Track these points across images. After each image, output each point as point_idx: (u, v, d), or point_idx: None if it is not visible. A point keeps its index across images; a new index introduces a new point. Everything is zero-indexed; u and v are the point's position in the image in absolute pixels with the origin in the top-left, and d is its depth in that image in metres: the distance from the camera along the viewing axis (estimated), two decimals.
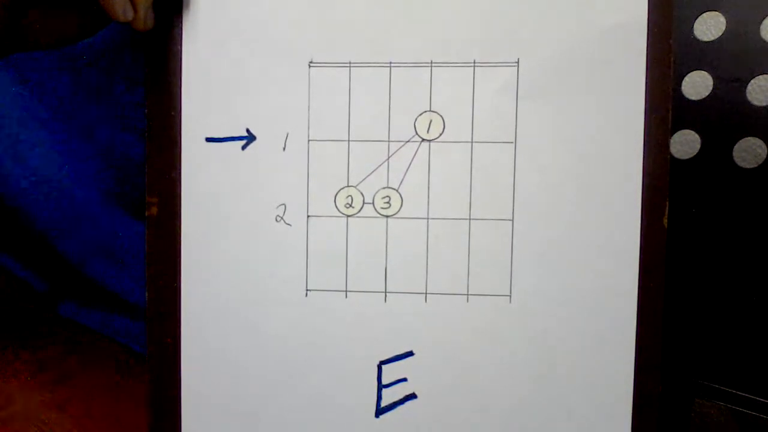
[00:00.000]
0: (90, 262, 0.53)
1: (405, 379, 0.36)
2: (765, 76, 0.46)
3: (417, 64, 0.35)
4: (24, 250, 0.54)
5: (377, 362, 0.36)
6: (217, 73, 0.36)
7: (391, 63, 0.35)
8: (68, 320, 0.55)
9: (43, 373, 0.49)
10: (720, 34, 0.46)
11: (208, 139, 0.36)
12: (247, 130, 0.36)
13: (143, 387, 0.37)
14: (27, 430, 0.43)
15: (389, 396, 0.36)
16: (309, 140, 0.36)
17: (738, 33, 0.46)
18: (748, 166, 0.47)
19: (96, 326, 0.55)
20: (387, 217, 0.36)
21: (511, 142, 0.35)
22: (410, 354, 0.36)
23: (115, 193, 0.52)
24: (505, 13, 0.34)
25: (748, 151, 0.47)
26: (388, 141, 0.35)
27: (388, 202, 0.36)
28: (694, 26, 0.47)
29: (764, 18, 0.45)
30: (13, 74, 0.50)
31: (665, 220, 0.34)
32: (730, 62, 0.46)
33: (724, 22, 0.46)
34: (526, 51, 0.34)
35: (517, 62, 0.34)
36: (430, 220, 0.35)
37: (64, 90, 0.50)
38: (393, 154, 0.35)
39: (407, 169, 0.35)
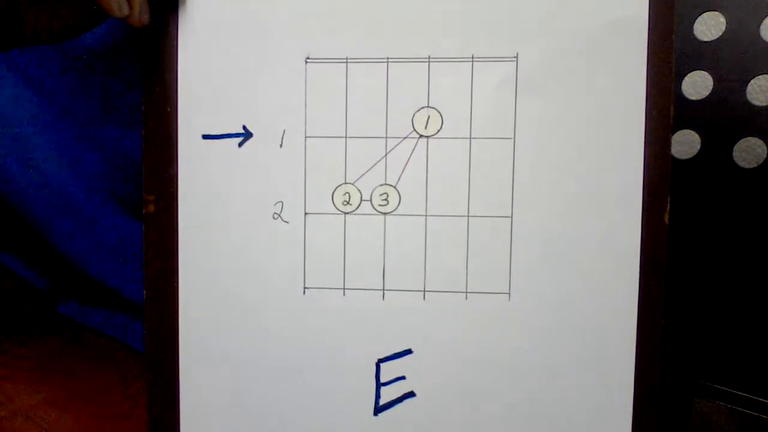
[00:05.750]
0: (90, 260, 0.53)
1: (403, 377, 0.36)
2: (765, 76, 0.46)
3: (414, 60, 0.35)
4: (25, 249, 0.55)
5: (376, 360, 0.36)
6: (214, 70, 0.35)
7: (388, 58, 0.35)
8: (68, 319, 0.55)
9: (43, 371, 0.49)
10: (720, 34, 0.46)
11: (205, 137, 0.36)
12: (244, 127, 0.36)
13: (143, 386, 0.37)
14: (27, 428, 0.43)
15: (388, 394, 0.36)
16: (306, 137, 0.35)
17: (738, 33, 0.46)
18: (748, 166, 0.47)
19: (96, 325, 0.55)
20: (385, 214, 0.35)
21: (510, 138, 0.35)
22: (409, 352, 0.36)
23: (115, 193, 0.52)
24: (504, 8, 0.34)
25: (748, 151, 0.47)
26: (386, 137, 0.35)
27: (386, 199, 0.35)
28: (694, 26, 0.47)
29: (764, 18, 0.45)
30: (17, 75, 0.50)
31: (666, 217, 0.34)
32: (730, 62, 0.46)
33: (724, 22, 0.46)
34: (525, 46, 0.34)
35: (516, 57, 0.34)
36: (428, 217, 0.35)
37: (66, 91, 0.50)
38: (391, 151, 0.35)
39: (405, 166, 0.35)
